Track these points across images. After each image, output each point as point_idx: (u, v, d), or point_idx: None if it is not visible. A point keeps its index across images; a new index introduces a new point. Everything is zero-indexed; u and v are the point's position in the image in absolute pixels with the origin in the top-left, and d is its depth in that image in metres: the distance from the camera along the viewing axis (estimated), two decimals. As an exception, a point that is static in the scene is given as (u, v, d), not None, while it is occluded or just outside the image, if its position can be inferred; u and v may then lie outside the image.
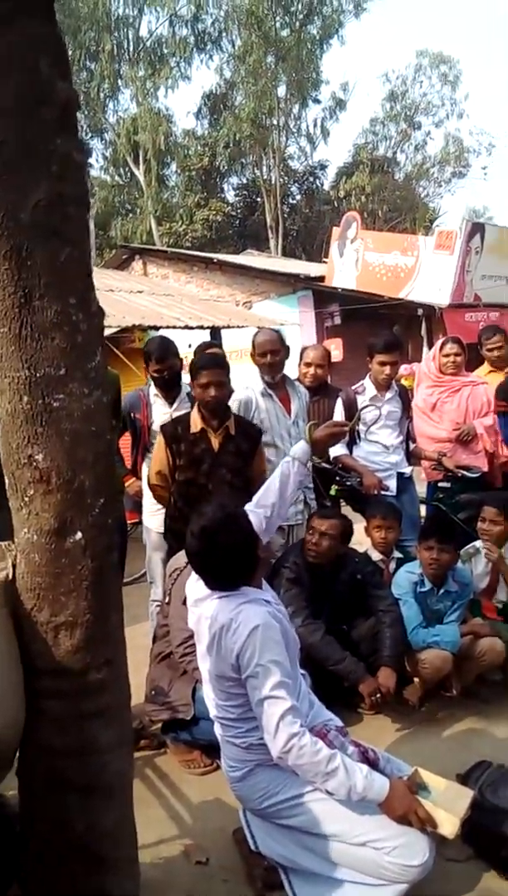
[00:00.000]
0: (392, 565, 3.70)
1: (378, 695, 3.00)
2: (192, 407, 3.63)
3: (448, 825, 2.01)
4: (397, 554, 3.77)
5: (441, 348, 4.84)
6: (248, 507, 2.50)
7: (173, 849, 2.38)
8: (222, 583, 2.17)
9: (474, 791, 2.20)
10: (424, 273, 12.42)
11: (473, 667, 3.27)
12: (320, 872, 2.05)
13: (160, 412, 3.96)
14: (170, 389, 3.99)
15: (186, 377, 3.92)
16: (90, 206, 1.79)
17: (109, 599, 1.74)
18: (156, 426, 3.81)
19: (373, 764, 2.18)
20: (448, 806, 2.06)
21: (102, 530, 1.68)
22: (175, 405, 3.96)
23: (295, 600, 3.21)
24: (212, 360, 3.43)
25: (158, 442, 3.47)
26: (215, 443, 3.38)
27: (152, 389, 4.02)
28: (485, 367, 5.08)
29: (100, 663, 1.72)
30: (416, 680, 3.25)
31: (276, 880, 2.13)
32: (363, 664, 3.08)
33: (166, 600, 3.14)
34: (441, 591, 3.36)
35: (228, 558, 2.13)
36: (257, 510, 2.54)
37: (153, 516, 3.87)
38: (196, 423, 3.39)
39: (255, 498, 2.61)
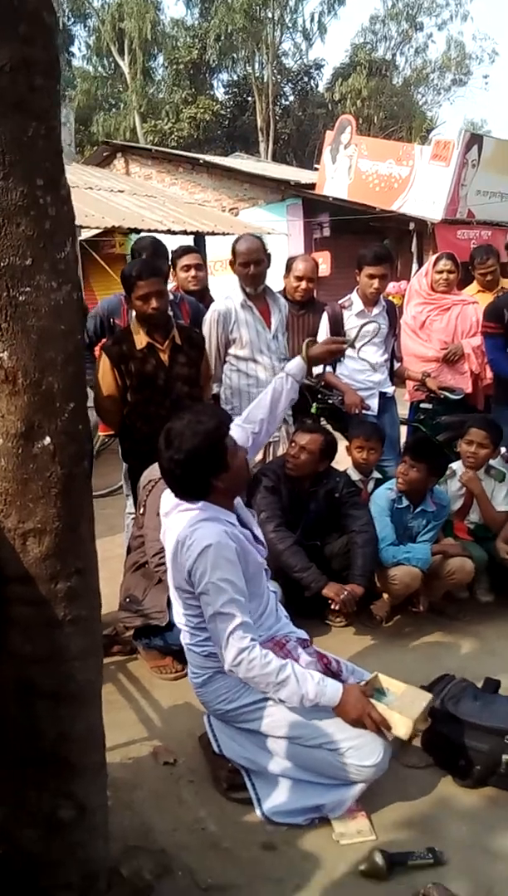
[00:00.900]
0: (371, 485, 3.69)
1: (345, 594, 2.99)
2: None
3: (402, 727, 2.06)
4: (376, 474, 3.75)
5: (435, 264, 4.68)
6: (236, 422, 2.42)
7: (142, 750, 2.44)
8: (186, 489, 2.13)
9: (432, 696, 2.26)
10: (418, 185, 11.96)
11: (441, 585, 3.33)
12: (279, 774, 2.12)
13: None
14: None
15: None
16: (60, 75, 1.60)
17: (80, 508, 1.68)
18: None
19: (336, 674, 2.24)
20: (404, 709, 2.11)
21: (73, 437, 1.59)
22: None
23: (269, 507, 3.21)
24: (148, 268, 3.13)
25: (104, 365, 3.18)
26: (165, 357, 3.19)
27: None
28: (474, 286, 4.95)
29: (70, 572, 1.68)
30: (385, 595, 3.30)
31: (239, 781, 2.19)
32: (327, 577, 3.09)
33: (141, 511, 3.10)
34: (418, 509, 3.37)
35: (188, 463, 2.06)
36: (245, 426, 2.50)
37: None
38: (141, 340, 3.17)
39: (244, 413, 2.55)
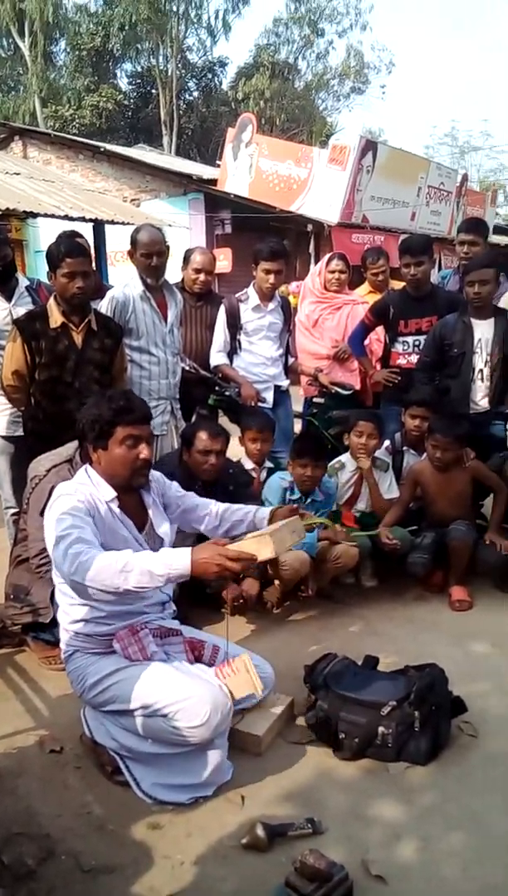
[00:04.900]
0: (263, 475, 3.79)
1: (241, 600, 3.13)
2: (39, 301, 3.41)
3: (264, 546, 2.06)
4: (268, 464, 3.85)
5: (328, 264, 4.84)
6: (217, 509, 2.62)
7: (28, 740, 2.40)
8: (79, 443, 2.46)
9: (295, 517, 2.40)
10: (316, 187, 12.28)
11: (328, 569, 3.46)
12: (142, 751, 2.14)
13: None
14: (5, 283, 3.64)
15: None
16: None
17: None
18: None
19: (208, 664, 2.33)
20: (260, 534, 2.17)
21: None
22: (14, 300, 3.65)
23: None
24: (77, 248, 3.13)
25: (14, 339, 3.17)
26: (78, 339, 3.21)
27: None
28: (365, 286, 5.15)
29: None
30: (276, 582, 3.39)
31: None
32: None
33: (25, 507, 3.05)
34: (309, 500, 3.49)
35: (80, 422, 2.33)
36: (215, 514, 2.62)
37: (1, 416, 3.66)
38: (56, 318, 3.17)
39: (224, 508, 2.63)
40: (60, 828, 1.99)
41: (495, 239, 13.41)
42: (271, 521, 2.52)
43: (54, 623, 2.80)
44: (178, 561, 1.98)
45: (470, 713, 2.46)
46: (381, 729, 2.30)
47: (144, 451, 2.29)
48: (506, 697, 2.67)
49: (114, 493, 2.29)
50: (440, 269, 7.01)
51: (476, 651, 3.06)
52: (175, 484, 2.66)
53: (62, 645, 2.34)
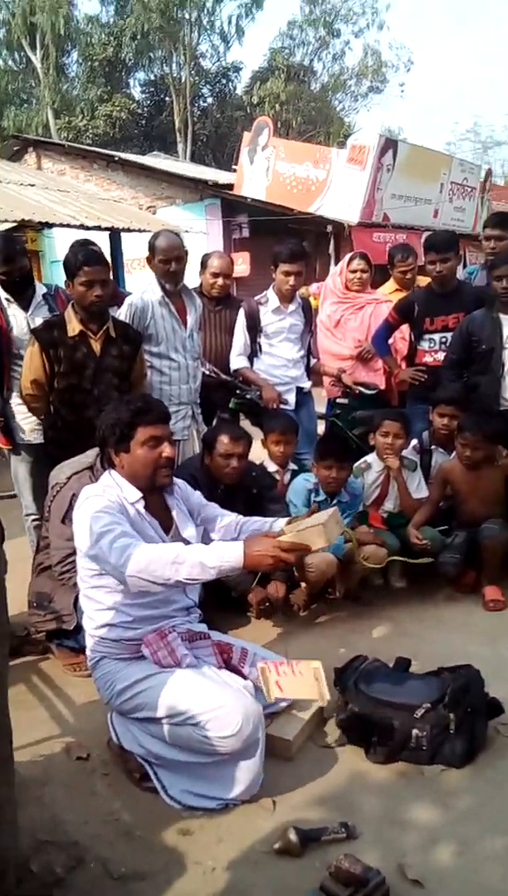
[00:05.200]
0: (287, 477, 3.75)
1: (267, 603, 3.09)
2: (56, 308, 3.44)
3: (317, 536, 2.06)
4: (292, 466, 3.81)
5: (349, 263, 4.80)
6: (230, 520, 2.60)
7: (54, 747, 2.39)
8: (100, 450, 2.43)
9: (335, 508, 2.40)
10: (335, 188, 12.24)
11: (356, 571, 3.41)
12: (171, 758, 2.11)
13: (17, 318, 3.59)
14: (22, 292, 3.63)
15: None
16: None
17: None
18: (17, 332, 3.53)
19: (235, 670, 2.29)
20: (310, 523, 2.15)
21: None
22: (31, 309, 3.64)
23: None
24: (94, 256, 3.14)
25: (33, 348, 3.19)
26: (97, 347, 3.21)
27: (3, 294, 3.60)
28: (391, 284, 5.08)
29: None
30: (303, 584, 3.35)
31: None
32: (253, 575, 3.12)
33: (46, 515, 3.05)
34: (334, 501, 3.44)
35: (100, 428, 2.34)
36: (220, 522, 2.60)
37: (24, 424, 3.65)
38: (74, 327, 3.17)
39: (242, 520, 2.61)
40: (88, 835, 1.97)
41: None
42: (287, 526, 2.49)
43: (78, 629, 2.81)
44: (230, 553, 2.01)
45: (507, 715, 2.40)
46: (415, 731, 2.25)
47: (166, 450, 2.29)
48: (542, 698, 2.60)
49: (140, 494, 2.29)
50: (465, 265, 6.90)
51: (510, 651, 2.99)
52: (198, 493, 2.65)
53: (88, 651, 2.33)
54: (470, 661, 2.52)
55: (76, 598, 2.81)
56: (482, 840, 1.95)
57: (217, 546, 2.07)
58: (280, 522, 2.51)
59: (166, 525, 2.37)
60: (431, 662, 2.61)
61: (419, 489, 3.74)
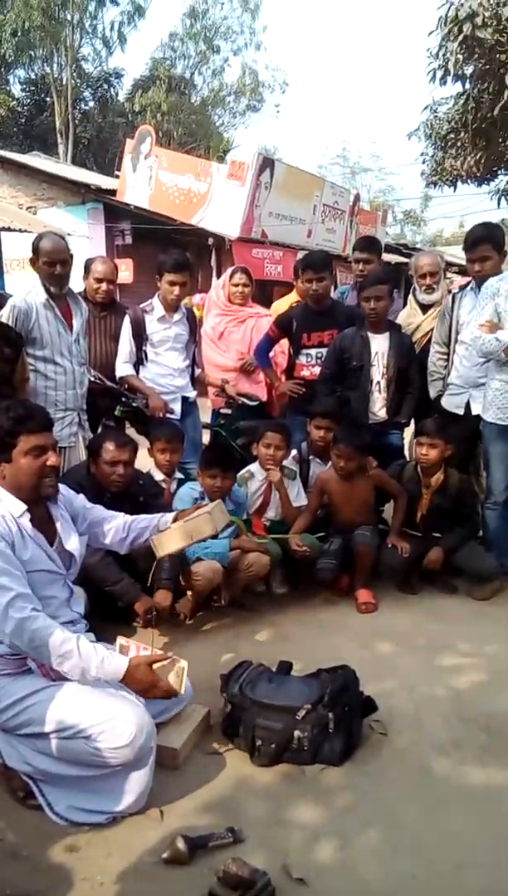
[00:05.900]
0: (174, 485, 3.77)
1: (153, 612, 3.07)
2: None
3: (204, 524, 2.38)
4: (178, 475, 3.83)
5: (231, 277, 4.89)
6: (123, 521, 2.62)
7: None
8: None
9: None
10: (216, 201, 12.39)
11: (240, 578, 3.48)
12: (57, 773, 2.08)
13: None
14: None
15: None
16: None
17: None
18: None
19: None
20: (195, 514, 2.43)
21: None
22: None
23: None
24: None
25: None
26: None
27: None
28: (293, 296, 5.07)
29: None
30: (188, 593, 3.37)
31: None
32: (139, 585, 3.11)
33: None
34: (218, 510, 3.50)
35: None
36: (122, 528, 2.61)
37: None
38: None
39: (130, 519, 2.64)
40: (-29, 859, 1.89)
41: (386, 257, 13.98)
42: (175, 522, 2.58)
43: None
44: (112, 671, 2.04)
45: (380, 712, 2.54)
46: (297, 733, 2.32)
47: (51, 459, 2.23)
48: (412, 695, 2.78)
49: (24, 507, 2.20)
50: (336, 286, 7.22)
51: (382, 651, 3.17)
52: (81, 496, 2.60)
53: None
54: (347, 661, 2.63)
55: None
56: (360, 834, 2.04)
57: (106, 659, 2.04)
58: (168, 518, 2.57)
59: (51, 538, 2.31)
60: (311, 664, 2.70)
61: (298, 497, 3.87)
